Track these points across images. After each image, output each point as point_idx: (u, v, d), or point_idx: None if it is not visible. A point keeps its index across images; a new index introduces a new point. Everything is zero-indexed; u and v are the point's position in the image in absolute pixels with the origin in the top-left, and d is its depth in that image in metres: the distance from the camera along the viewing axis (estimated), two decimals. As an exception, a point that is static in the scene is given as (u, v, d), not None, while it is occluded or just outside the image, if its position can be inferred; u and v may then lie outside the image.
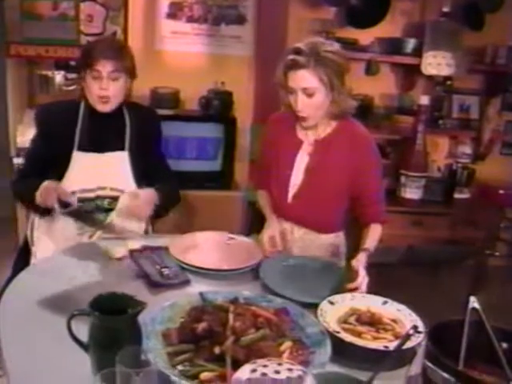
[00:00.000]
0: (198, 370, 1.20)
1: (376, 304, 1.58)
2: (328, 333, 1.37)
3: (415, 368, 1.22)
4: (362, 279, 1.71)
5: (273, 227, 2.02)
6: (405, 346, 1.31)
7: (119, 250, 1.89)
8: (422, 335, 1.36)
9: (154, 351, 1.23)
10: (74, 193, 2.07)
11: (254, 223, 2.47)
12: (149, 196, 2.07)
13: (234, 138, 3.66)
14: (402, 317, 1.52)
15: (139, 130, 2.19)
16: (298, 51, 1.85)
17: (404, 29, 3.58)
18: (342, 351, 1.33)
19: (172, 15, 3.73)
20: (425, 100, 3.42)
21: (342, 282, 1.72)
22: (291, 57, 1.85)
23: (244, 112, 3.81)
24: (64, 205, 1.90)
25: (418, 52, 3.41)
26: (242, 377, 0.93)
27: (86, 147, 2.11)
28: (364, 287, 1.70)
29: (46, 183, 1.94)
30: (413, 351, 1.33)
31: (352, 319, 1.50)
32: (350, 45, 3.30)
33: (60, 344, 1.26)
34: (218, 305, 1.39)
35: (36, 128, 2.18)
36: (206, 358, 1.23)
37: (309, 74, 1.84)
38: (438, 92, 3.68)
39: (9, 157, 3.41)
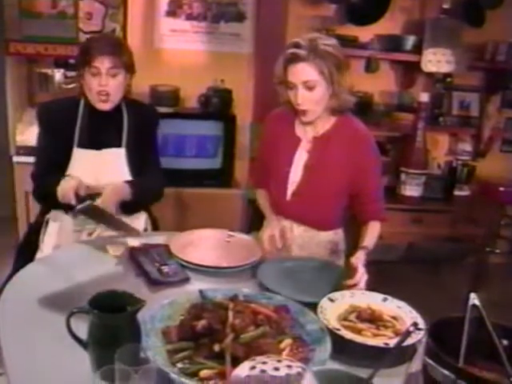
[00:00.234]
0: (197, 368, 1.20)
1: (376, 301, 1.58)
2: (328, 330, 1.36)
3: (415, 365, 1.22)
4: (361, 276, 1.71)
5: (272, 226, 2.02)
6: (405, 343, 1.30)
7: (118, 248, 1.89)
8: (422, 332, 1.36)
9: (154, 349, 1.23)
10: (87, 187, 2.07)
11: (253, 221, 2.46)
12: (114, 192, 2.03)
13: (234, 136, 3.66)
14: (403, 314, 1.52)
15: (137, 127, 2.19)
16: (297, 45, 1.85)
17: (404, 26, 3.58)
18: (342, 348, 1.33)
19: (171, 13, 3.72)
20: (425, 97, 3.42)
21: (340, 281, 1.72)
22: (291, 50, 1.86)
23: (244, 109, 3.80)
24: (81, 200, 1.89)
25: (417, 49, 3.41)
26: (241, 374, 0.93)
27: (85, 144, 2.12)
28: (363, 284, 1.70)
29: (65, 179, 1.95)
30: (413, 348, 1.32)
31: (352, 316, 1.49)
32: (350, 42, 3.30)
33: (59, 342, 1.25)
34: (217, 302, 1.39)
35: (39, 126, 2.18)
36: (206, 355, 1.23)
37: (309, 66, 1.84)
38: (438, 89, 3.68)
39: (9, 155, 3.40)
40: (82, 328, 1.21)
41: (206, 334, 1.27)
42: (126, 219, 2.15)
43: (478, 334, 1.14)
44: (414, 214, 3.52)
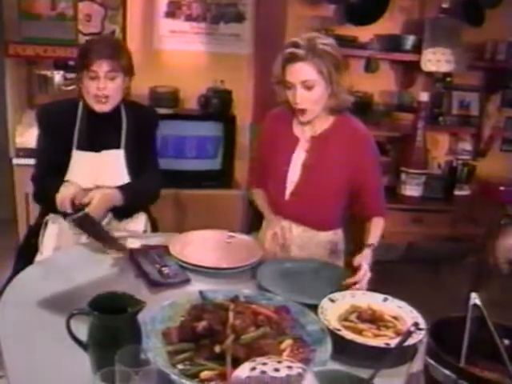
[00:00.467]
0: (198, 369, 1.20)
1: (376, 301, 1.58)
2: (329, 330, 1.36)
3: (417, 365, 1.21)
4: (363, 274, 1.71)
5: (273, 225, 2.02)
6: (406, 343, 1.30)
7: (119, 250, 1.89)
8: (423, 332, 1.35)
9: (154, 350, 1.22)
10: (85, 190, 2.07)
11: (254, 221, 2.46)
12: (102, 199, 1.98)
13: (234, 137, 3.66)
14: (403, 314, 1.51)
15: (136, 129, 2.19)
16: (295, 45, 1.85)
17: (403, 26, 3.57)
18: (343, 349, 1.32)
19: (170, 14, 3.72)
20: (424, 97, 3.41)
21: (341, 281, 1.72)
22: (289, 50, 1.86)
23: (243, 110, 3.80)
24: (77, 209, 1.88)
25: (417, 49, 3.40)
26: (241, 375, 0.92)
27: (84, 146, 2.12)
28: (364, 283, 1.70)
29: (65, 186, 1.94)
30: (414, 348, 1.32)
31: (353, 317, 1.49)
32: (350, 42, 3.30)
33: (60, 344, 1.25)
34: (218, 303, 1.39)
35: (38, 128, 2.18)
36: (206, 356, 1.23)
37: (308, 66, 1.84)
38: (438, 89, 3.67)
39: (8, 157, 3.40)
40: (81, 330, 1.20)
41: (206, 335, 1.26)
42: (127, 220, 2.15)
43: (479, 334, 1.14)
44: (414, 213, 3.51)
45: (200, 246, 1.96)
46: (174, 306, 1.42)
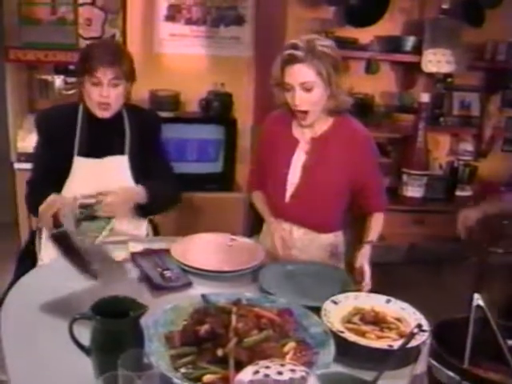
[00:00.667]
0: (200, 373, 1.20)
1: (379, 303, 1.57)
2: (332, 333, 1.36)
3: (420, 367, 1.21)
4: (368, 275, 1.72)
5: (278, 229, 2.03)
6: (409, 345, 1.30)
7: (120, 253, 1.89)
8: (426, 334, 1.35)
9: (157, 354, 1.22)
10: (75, 200, 2.06)
11: (255, 224, 2.46)
12: (127, 194, 2.03)
13: (235, 140, 3.65)
14: (406, 315, 1.51)
15: (139, 133, 2.17)
16: (294, 46, 1.85)
17: (403, 27, 3.56)
18: (346, 351, 1.32)
19: (170, 17, 3.72)
20: (425, 98, 3.41)
21: (344, 283, 1.71)
22: (288, 51, 1.86)
23: (244, 113, 3.80)
24: (58, 225, 1.76)
25: (417, 50, 3.40)
26: (244, 378, 0.92)
27: (86, 152, 2.10)
28: (368, 280, 1.72)
29: (49, 198, 1.87)
30: (417, 350, 1.32)
31: (356, 319, 1.49)
32: (350, 44, 3.30)
33: (62, 348, 1.25)
34: (220, 307, 1.39)
35: (37, 134, 2.16)
36: (209, 360, 1.23)
37: (307, 67, 1.84)
38: (439, 89, 3.66)
39: (9, 162, 3.41)
40: (83, 334, 1.20)
41: (209, 339, 1.26)
42: (128, 225, 2.15)
43: (483, 335, 1.13)
44: (416, 214, 3.50)
45: (202, 249, 1.96)
46: (177, 310, 1.42)
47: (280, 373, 0.86)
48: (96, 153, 2.11)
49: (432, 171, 3.69)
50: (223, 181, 3.66)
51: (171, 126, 3.33)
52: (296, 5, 3.36)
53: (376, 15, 3.30)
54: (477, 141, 3.85)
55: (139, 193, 2.07)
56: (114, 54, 2.03)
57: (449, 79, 3.62)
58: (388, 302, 1.58)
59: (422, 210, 3.52)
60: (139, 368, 1.06)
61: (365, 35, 3.40)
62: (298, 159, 2.03)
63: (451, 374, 1.05)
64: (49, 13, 3.43)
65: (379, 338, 1.41)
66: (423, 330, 1.36)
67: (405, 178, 3.46)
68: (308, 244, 2.07)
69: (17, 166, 3.34)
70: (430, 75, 3.56)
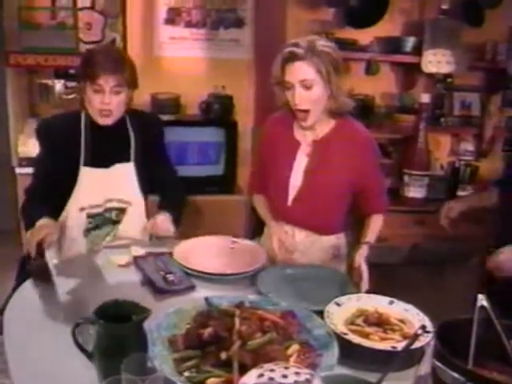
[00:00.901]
0: (204, 376, 1.19)
1: (383, 304, 1.57)
2: (335, 335, 1.36)
3: (424, 368, 1.21)
4: (366, 276, 1.72)
5: (278, 231, 2.02)
6: (413, 346, 1.29)
7: (123, 257, 1.89)
8: (430, 335, 1.35)
9: (160, 358, 1.22)
10: (83, 209, 2.06)
11: (257, 227, 2.46)
12: (166, 224, 2.06)
13: (236, 142, 3.66)
14: (410, 316, 1.51)
15: (143, 138, 2.15)
16: (295, 45, 1.86)
17: (403, 27, 3.57)
18: (350, 353, 1.32)
19: (170, 21, 3.73)
20: (426, 98, 3.41)
21: (344, 286, 1.71)
22: (288, 49, 1.86)
23: (245, 115, 3.81)
24: (41, 255, 1.70)
25: (417, 50, 3.40)
26: (248, 382, 0.92)
27: (92, 162, 2.06)
28: (366, 281, 1.71)
29: (38, 224, 1.82)
30: (421, 351, 1.31)
31: (359, 320, 1.48)
32: (350, 45, 3.30)
33: (66, 352, 1.25)
34: (223, 309, 1.38)
35: (40, 145, 2.11)
36: (213, 363, 1.22)
37: (306, 65, 1.84)
38: (439, 90, 3.67)
39: (11, 166, 3.41)
40: (86, 338, 1.20)
41: (212, 342, 1.26)
42: (135, 231, 2.14)
43: (487, 336, 1.13)
44: (418, 215, 3.49)
45: (204, 252, 1.96)
46: (180, 313, 1.42)
47: (285, 376, 0.86)
48: (102, 162, 2.07)
49: (433, 171, 3.68)
50: (224, 183, 3.66)
51: (172, 129, 3.32)
52: (295, 7, 3.36)
53: (376, 16, 3.30)
54: (477, 141, 3.85)
55: (170, 220, 2.09)
56: (116, 61, 2.00)
57: (449, 79, 3.63)
58: (391, 303, 1.58)
59: (424, 211, 3.52)
60: (143, 372, 1.06)
61: (365, 36, 3.40)
62: (300, 162, 2.02)
63: (456, 375, 1.05)
64: (49, 17, 3.44)
65: (383, 339, 1.41)
66: (427, 331, 1.35)
67: (406, 178, 3.46)
68: (310, 246, 2.06)
69: (18, 170, 3.34)
70: (430, 76, 3.56)
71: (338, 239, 2.11)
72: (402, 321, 1.49)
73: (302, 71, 1.85)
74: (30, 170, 3.15)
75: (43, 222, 1.84)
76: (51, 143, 2.07)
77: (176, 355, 1.26)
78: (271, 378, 0.86)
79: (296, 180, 2.02)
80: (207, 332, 1.27)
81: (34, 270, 1.71)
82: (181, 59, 3.77)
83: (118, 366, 1.05)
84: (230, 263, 1.87)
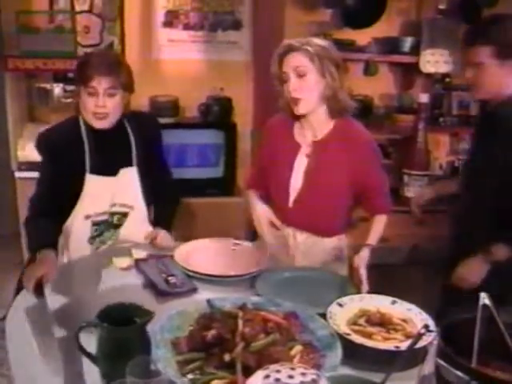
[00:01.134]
0: (208, 378, 1.19)
1: (385, 304, 1.57)
2: (338, 335, 1.36)
3: (428, 367, 1.20)
4: (365, 280, 1.72)
5: (264, 208, 2.04)
6: (417, 346, 1.29)
7: (124, 260, 1.88)
8: (433, 334, 1.35)
9: (164, 360, 1.22)
10: (88, 217, 2.05)
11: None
12: (165, 241, 2.09)
13: (235, 144, 3.66)
14: (413, 316, 1.51)
15: (143, 141, 2.14)
16: (292, 41, 1.92)
17: (401, 28, 3.57)
18: (353, 353, 1.32)
19: (168, 23, 3.73)
20: (424, 98, 3.41)
21: (343, 289, 1.71)
22: (286, 43, 1.92)
23: (244, 117, 3.81)
24: (40, 293, 1.60)
25: (415, 50, 3.40)
26: (255, 383, 0.92)
27: (97, 169, 2.04)
28: (365, 284, 1.71)
29: (38, 259, 1.74)
30: (424, 350, 1.31)
31: (362, 320, 1.48)
32: (348, 46, 3.30)
33: (69, 356, 1.25)
34: (226, 311, 1.38)
35: (42, 157, 2.07)
36: (216, 365, 1.22)
37: (301, 55, 1.89)
38: (437, 90, 3.67)
39: (10, 170, 3.41)
40: (87, 341, 1.20)
41: (216, 344, 1.26)
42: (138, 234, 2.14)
43: (489, 334, 1.13)
44: (418, 215, 3.50)
45: (206, 254, 1.96)
46: (183, 316, 1.42)
47: (291, 376, 0.86)
48: (107, 168, 2.05)
49: (433, 171, 3.68)
50: (224, 185, 3.66)
51: (171, 132, 3.33)
52: (293, 8, 3.36)
53: (373, 17, 3.30)
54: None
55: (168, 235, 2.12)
56: (111, 64, 1.99)
57: (447, 79, 3.63)
58: (394, 303, 1.58)
59: (424, 211, 3.52)
60: (147, 375, 1.06)
61: (362, 37, 3.41)
62: (300, 163, 2.02)
63: (460, 374, 1.04)
64: (47, 21, 3.44)
65: (386, 339, 1.41)
66: (430, 331, 1.35)
67: (406, 178, 3.46)
68: (312, 248, 2.06)
69: (17, 174, 3.34)
70: (429, 76, 3.57)
71: (340, 241, 2.10)
72: (404, 320, 1.49)
73: (296, 60, 1.89)
74: (29, 174, 3.18)
75: (44, 255, 1.75)
76: (54, 155, 2.02)
77: (179, 357, 1.26)
78: (277, 379, 0.86)
79: (296, 181, 2.03)
80: (211, 334, 1.27)
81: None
82: (179, 62, 3.77)
83: (121, 369, 1.05)
84: (231, 265, 1.87)
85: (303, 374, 0.86)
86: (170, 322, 1.38)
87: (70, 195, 2.02)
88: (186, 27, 3.75)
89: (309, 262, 2.02)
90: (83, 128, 2.05)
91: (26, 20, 3.36)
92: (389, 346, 1.36)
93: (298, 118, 2.01)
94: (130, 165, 2.12)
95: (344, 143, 1.97)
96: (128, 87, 2.04)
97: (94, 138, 2.05)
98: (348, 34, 3.38)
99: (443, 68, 3.43)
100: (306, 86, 1.90)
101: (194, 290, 1.71)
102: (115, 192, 2.08)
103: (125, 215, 2.12)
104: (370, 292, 1.70)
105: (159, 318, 1.30)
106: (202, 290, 1.72)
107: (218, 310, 1.42)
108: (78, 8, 3.51)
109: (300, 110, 1.94)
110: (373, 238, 1.97)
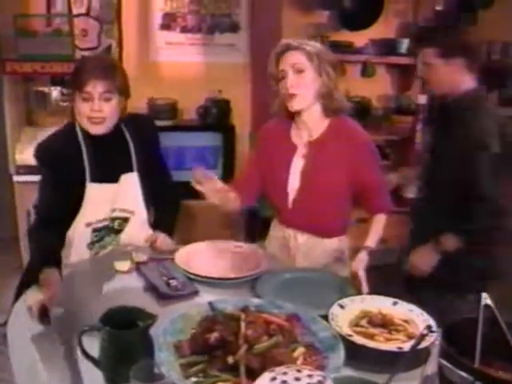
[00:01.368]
0: (212, 381, 1.19)
1: (386, 305, 1.57)
2: (340, 336, 1.36)
3: (431, 367, 1.21)
4: (365, 283, 1.72)
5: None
6: (419, 346, 1.30)
7: (125, 264, 1.88)
8: (435, 335, 1.35)
9: (167, 363, 1.22)
10: (89, 224, 2.05)
11: (259, 230, 2.46)
12: (165, 244, 2.07)
13: (233, 146, 3.67)
14: (414, 317, 1.51)
15: (141, 144, 2.11)
16: (289, 40, 1.95)
17: (398, 29, 3.59)
18: (355, 354, 1.31)
19: (166, 26, 3.74)
20: (422, 99, 3.42)
21: (343, 290, 1.71)
22: (283, 42, 1.95)
23: (242, 119, 3.81)
24: (45, 318, 1.50)
25: (412, 52, 3.41)
26: (262, 386, 0.92)
27: (98, 177, 2.01)
28: (365, 286, 1.72)
29: (43, 277, 1.68)
30: (427, 351, 1.32)
31: (364, 322, 1.48)
32: (345, 48, 3.32)
33: (71, 360, 1.25)
34: (228, 314, 1.38)
35: (42, 170, 2.03)
36: (220, 368, 1.22)
37: (299, 53, 1.91)
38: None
39: (9, 174, 3.40)
40: (90, 345, 1.20)
41: (219, 347, 1.26)
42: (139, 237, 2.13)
43: (491, 334, 1.13)
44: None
45: (206, 257, 1.96)
46: (185, 318, 1.41)
47: (297, 379, 0.86)
48: (107, 175, 2.03)
49: (431, 172, 3.69)
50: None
51: (169, 135, 3.33)
52: (290, 10, 3.38)
53: (370, 18, 3.32)
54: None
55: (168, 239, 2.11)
56: (106, 67, 1.95)
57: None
58: (395, 304, 1.58)
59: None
60: (151, 379, 1.06)
61: (360, 39, 3.43)
62: (297, 164, 2.03)
63: (464, 374, 1.05)
64: (44, 24, 3.44)
65: (388, 340, 1.41)
66: (432, 331, 1.36)
67: (404, 179, 3.47)
68: (313, 248, 2.06)
69: (16, 178, 3.33)
70: (426, 77, 3.57)
71: (341, 242, 2.10)
72: (406, 321, 1.49)
73: (294, 57, 1.91)
74: (27, 177, 3.18)
75: (47, 275, 1.69)
76: (53, 166, 1.98)
77: (182, 360, 1.26)
78: (284, 382, 0.86)
79: (294, 182, 2.03)
80: (213, 337, 1.26)
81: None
82: (177, 64, 3.78)
83: (125, 372, 1.05)
84: (232, 268, 1.87)
85: (310, 376, 0.87)
86: (173, 325, 1.38)
87: (71, 204, 1.99)
88: (184, 30, 3.77)
89: (310, 263, 2.02)
90: (80, 135, 2.02)
91: (23, 23, 3.36)
92: (391, 346, 1.36)
93: (293, 117, 2.02)
94: (131, 170, 2.09)
95: (342, 143, 1.97)
96: (124, 91, 2.00)
97: (93, 145, 2.02)
98: (345, 36, 3.39)
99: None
100: (303, 83, 1.92)
101: (195, 293, 1.71)
102: (116, 198, 2.06)
103: (125, 220, 2.11)
104: (370, 293, 1.70)
105: (161, 321, 1.30)
106: (203, 293, 1.71)
107: (220, 312, 1.42)
108: (75, 11, 3.52)
109: (295, 105, 1.95)
110: (371, 240, 1.95)
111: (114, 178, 2.06)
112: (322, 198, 2.00)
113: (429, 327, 1.35)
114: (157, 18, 3.72)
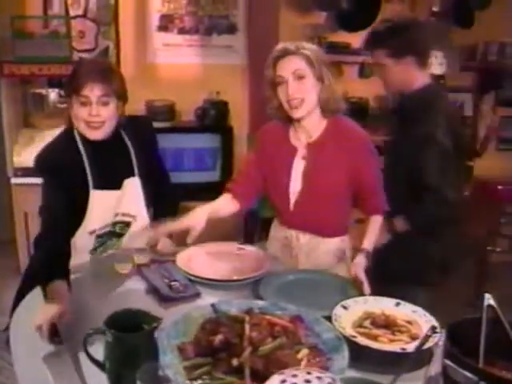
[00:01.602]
0: (217, 383, 1.19)
1: (389, 306, 1.57)
2: (344, 338, 1.36)
3: (434, 368, 1.21)
4: (367, 285, 1.72)
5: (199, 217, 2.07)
6: (424, 347, 1.30)
7: (126, 266, 1.88)
8: (439, 335, 1.35)
9: (172, 366, 1.22)
10: (93, 232, 2.03)
11: (260, 231, 2.46)
12: (166, 248, 2.05)
13: (232, 148, 3.67)
14: (417, 318, 1.51)
15: (141, 147, 2.10)
16: (287, 44, 1.92)
17: (395, 30, 3.59)
18: (359, 355, 1.32)
19: (163, 27, 3.74)
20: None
21: (345, 291, 1.71)
22: (281, 46, 1.91)
23: (240, 121, 3.82)
24: (55, 337, 1.44)
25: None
26: (272, 388, 0.92)
27: (101, 184, 1.99)
28: (366, 287, 1.72)
29: (51, 290, 1.60)
30: (430, 352, 1.32)
31: (367, 323, 1.48)
32: (343, 48, 3.33)
33: (75, 363, 1.25)
34: (233, 316, 1.38)
35: (43, 179, 1.98)
36: (225, 370, 1.22)
37: (298, 58, 1.89)
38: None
39: (6, 176, 3.40)
40: (94, 349, 1.20)
41: (223, 349, 1.26)
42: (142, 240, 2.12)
43: (495, 334, 1.14)
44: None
45: (207, 258, 1.96)
46: (188, 321, 1.41)
47: (308, 381, 0.86)
48: (110, 181, 2.01)
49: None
50: (221, 189, 3.64)
51: (168, 136, 3.33)
52: (288, 11, 3.38)
53: (367, 19, 3.32)
54: (471, 141, 3.88)
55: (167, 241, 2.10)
56: (102, 71, 1.92)
57: (441, 81, 3.65)
58: (397, 305, 1.58)
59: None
60: (156, 381, 1.06)
61: (357, 39, 3.42)
62: (297, 166, 2.02)
63: (468, 374, 1.05)
64: (41, 26, 3.44)
65: (391, 341, 1.41)
66: (435, 332, 1.36)
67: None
68: (314, 249, 2.06)
69: (13, 180, 3.33)
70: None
71: (343, 241, 2.10)
72: (409, 322, 1.49)
73: (293, 63, 1.89)
74: (25, 180, 3.18)
75: (55, 289, 1.61)
76: (54, 176, 1.94)
77: (186, 363, 1.26)
78: (294, 384, 0.86)
79: (295, 185, 2.02)
80: (218, 339, 1.26)
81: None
82: (175, 66, 3.78)
83: (130, 375, 1.05)
84: (235, 269, 1.87)
85: (319, 378, 0.87)
86: (176, 327, 1.38)
87: (76, 212, 1.97)
88: (181, 31, 3.76)
89: (312, 263, 2.02)
90: (79, 141, 1.99)
91: (20, 25, 3.36)
92: (395, 347, 1.37)
93: (291, 120, 2.01)
94: (132, 175, 2.07)
95: (341, 143, 1.97)
96: (121, 95, 1.98)
97: (93, 151, 1.99)
98: (343, 37, 3.40)
99: (437, 69, 3.46)
100: (305, 89, 1.90)
101: (197, 295, 1.71)
102: (119, 203, 2.05)
103: (127, 225, 2.09)
104: (372, 294, 1.71)
105: (164, 323, 1.30)
106: (205, 295, 1.71)
107: (223, 314, 1.42)
108: (72, 13, 3.52)
109: (298, 114, 1.94)
110: (368, 242, 1.95)
111: (116, 184, 2.04)
112: (323, 198, 2.01)
113: (433, 328, 1.36)
114: (154, 20, 3.72)
